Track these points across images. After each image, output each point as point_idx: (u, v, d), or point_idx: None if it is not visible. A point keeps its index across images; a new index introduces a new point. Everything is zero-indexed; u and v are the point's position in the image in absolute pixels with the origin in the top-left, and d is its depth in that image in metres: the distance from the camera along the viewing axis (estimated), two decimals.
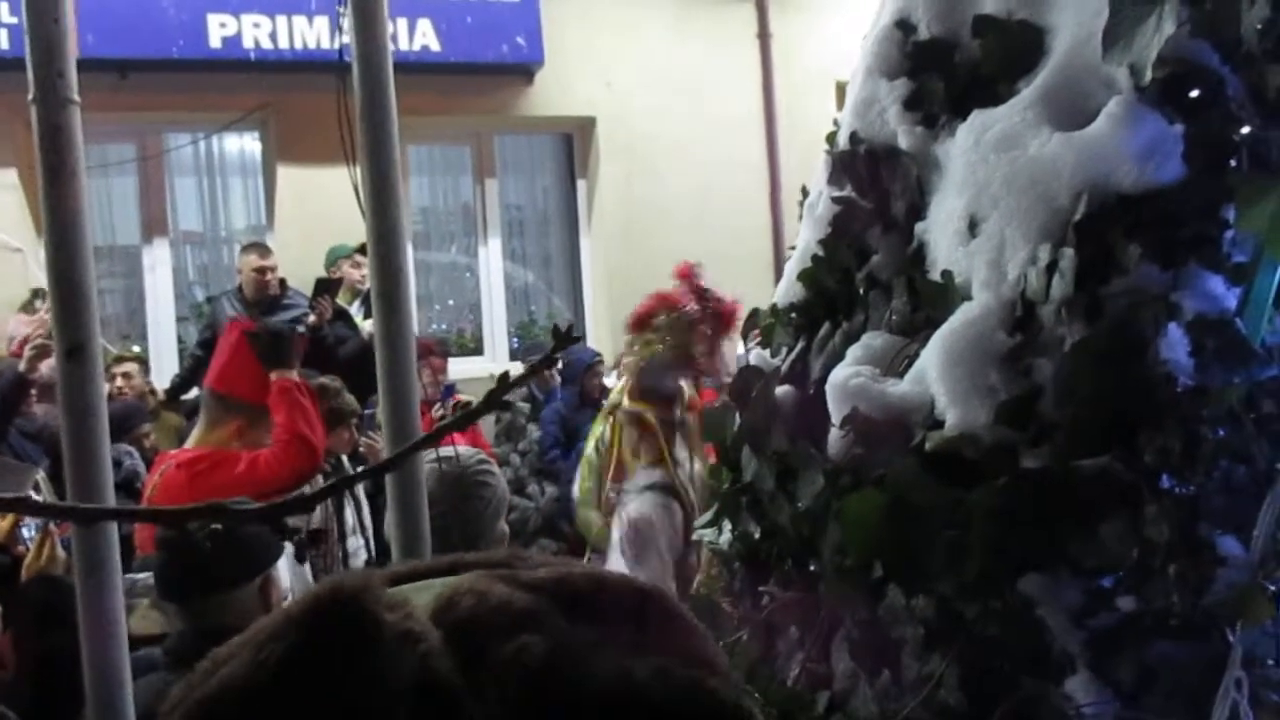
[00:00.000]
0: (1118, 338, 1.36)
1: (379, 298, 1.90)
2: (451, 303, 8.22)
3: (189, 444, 3.47)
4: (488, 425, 6.41)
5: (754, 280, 7.67)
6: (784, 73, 8.14)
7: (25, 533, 3.65)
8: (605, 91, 7.76)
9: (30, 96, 1.78)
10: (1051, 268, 1.44)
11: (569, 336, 0.74)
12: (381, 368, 1.90)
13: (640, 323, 4.26)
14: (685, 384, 4.34)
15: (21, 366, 4.81)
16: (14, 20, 6.13)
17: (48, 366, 5.56)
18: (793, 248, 2.15)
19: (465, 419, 0.80)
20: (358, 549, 4.62)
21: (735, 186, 7.93)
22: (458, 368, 6.67)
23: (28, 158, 6.52)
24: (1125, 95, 1.48)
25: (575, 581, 0.59)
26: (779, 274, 8.80)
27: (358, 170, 1.93)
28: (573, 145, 8.11)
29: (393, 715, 0.50)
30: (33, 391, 5.06)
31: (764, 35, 8.13)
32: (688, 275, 4.25)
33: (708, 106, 7.88)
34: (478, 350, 7.90)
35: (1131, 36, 1.43)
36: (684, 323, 4.18)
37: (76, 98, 1.81)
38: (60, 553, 3.18)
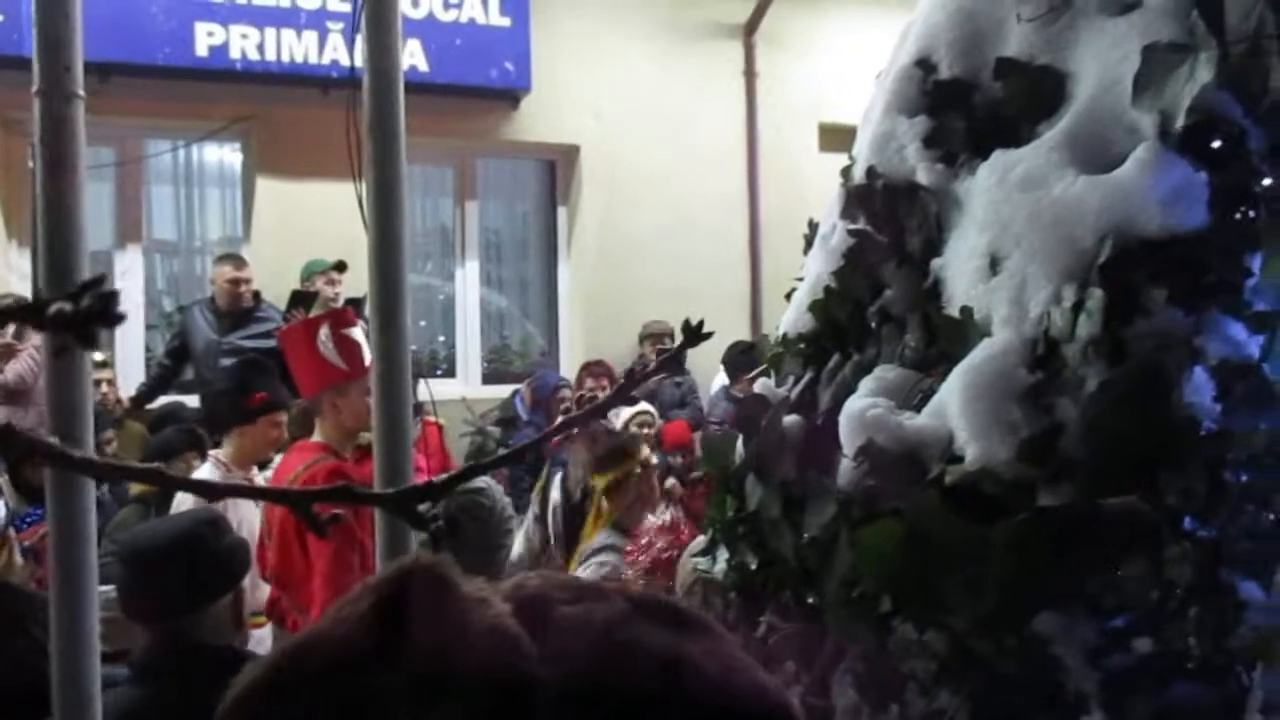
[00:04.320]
0: (1143, 379, 1.36)
1: (377, 312, 1.88)
2: (423, 324, 8.15)
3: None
4: (459, 451, 6.34)
5: (731, 314, 7.71)
6: (768, 111, 8.22)
7: None
8: (590, 121, 7.78)
9: (34, 89, 1.75)
10: (1077, 307, 1.45)
11: (699, 333, 0.73)
12: (377, 382, 1.87)
13: None
14: None
15: None
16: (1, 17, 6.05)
17: (11, 370, 5.46)
18: (800, 279, 2.15)
19: (594, 412, 0.78)
20: None
21: (715, 220, 7.97)
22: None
23: (1, 157, 6.42)
24: (1152, 141, 1.50)
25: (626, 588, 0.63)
26: (755, 308, 8.76)
27: (363, 185, 1.92)
28: (555, 172, 8.11)
29: (465, 664, 0.52)
30: None
31: (750, 74, 8.21)
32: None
33: (691, 140, 7.92)
34: (449, 373, 7.83)
35: (1163, 84, 1.45)
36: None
37: (81, 92, 1.78)
38: (18, 559, 3.10)
